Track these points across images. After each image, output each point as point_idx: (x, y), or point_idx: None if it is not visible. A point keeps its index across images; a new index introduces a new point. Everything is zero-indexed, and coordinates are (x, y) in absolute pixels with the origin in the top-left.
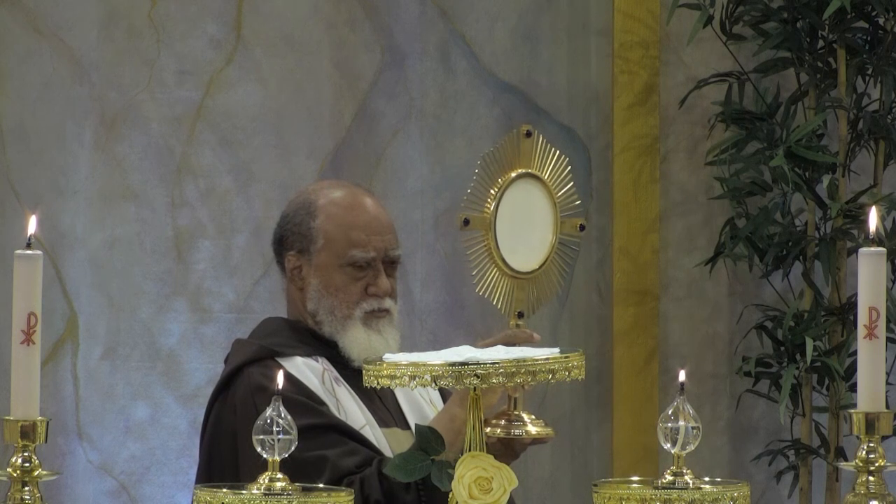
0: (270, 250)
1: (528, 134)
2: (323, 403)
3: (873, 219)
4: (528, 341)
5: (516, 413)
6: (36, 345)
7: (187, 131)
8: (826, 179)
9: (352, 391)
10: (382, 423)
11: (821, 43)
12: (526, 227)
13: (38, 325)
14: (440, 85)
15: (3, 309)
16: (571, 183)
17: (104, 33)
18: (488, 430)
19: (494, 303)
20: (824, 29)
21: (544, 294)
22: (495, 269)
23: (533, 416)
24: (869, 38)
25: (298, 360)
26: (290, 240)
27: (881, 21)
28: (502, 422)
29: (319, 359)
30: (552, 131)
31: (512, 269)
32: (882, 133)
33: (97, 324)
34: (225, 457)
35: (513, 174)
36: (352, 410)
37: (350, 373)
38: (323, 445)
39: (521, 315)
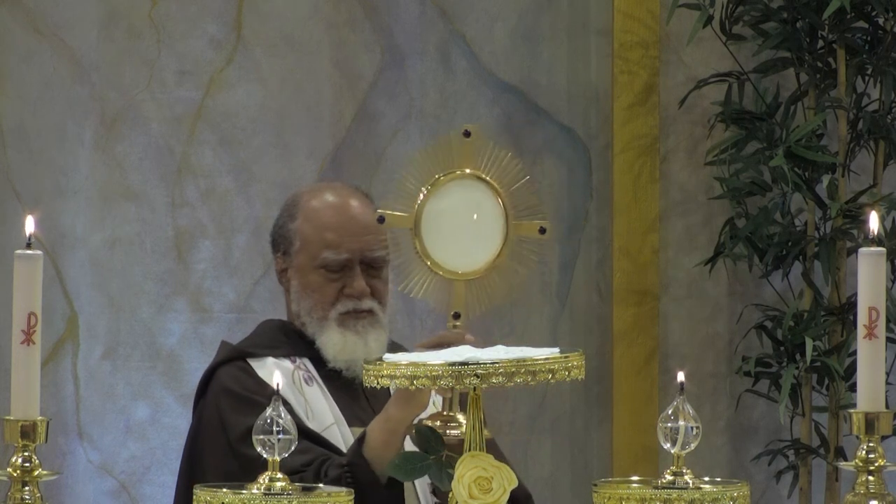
0: (270, 250)
1: (467, 134)
2: (286, 403)
3: (874, 222)
4: (459, 342)
5: (451, 414)
6: (36, 345)
7: (187, 131)
8: (826, 179)
9: (326, 391)
10: (358, 421)
11: (821, 43)
12: (467, 228)
13: (38, 325)
14: (440, 85)
15: (3, 309)
16: (528, 185)
17: (104, 33)
18: None
19: (425, 301)
20: (824, 29)
21: (494, 296)
22: (425, 269)
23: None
24: (869, 38)
25: (269, 360)
26: (277, 242)
27: (881, 21)
28: (437, 423)
29: (297, 359)
30: (552, 131)
31: (446, 270)
32: (882, 133)
33: (97, 324)
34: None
35: (441, 175)
36: (320, 410)
37: (329, 373)
38: None
39: (457, 316)
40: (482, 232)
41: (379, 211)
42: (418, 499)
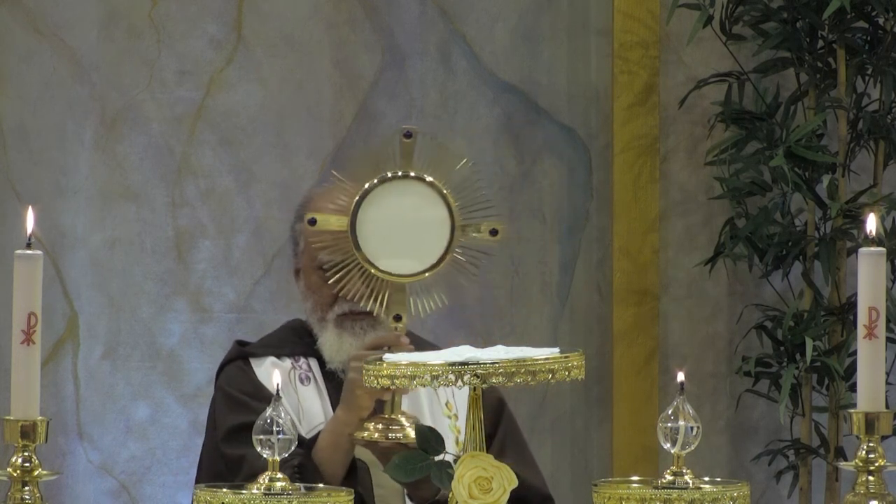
0: (270, 250)
1: (409, 135)
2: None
3: (871, 223)
4: (394, 344)
5: (393, 416)
6: (36, 345)
7: (187, 131)
8: (826, 179)
9: (324, 391)
10: (407, 420)
11: (821, 43)
12: (408, 230)
13: (38, 325)
14: (440, 85)
15: (3, 309)
16: (479, 187)
17: (104, 33)
18: (365, 434)
19: (363, 305)
20: (824, 29)
21: (441, 298)
22: (364, 271)
23: (412, 419)
24: (869, 38)
25: (269, 360)
26: (290, 243)
27: (881, 21)
28: (379, 425)
29: (301, 359)
30: (552, 131)
31: (385, 272)
32: (882, 133)
33: (97, 324)
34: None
35: (376, 178)
36: (311, 409)
37: (331, 372)
38: (248, 444)
39: (398, 318)
40: (426, 234)
41: (310, 214)
42: (404, 500)
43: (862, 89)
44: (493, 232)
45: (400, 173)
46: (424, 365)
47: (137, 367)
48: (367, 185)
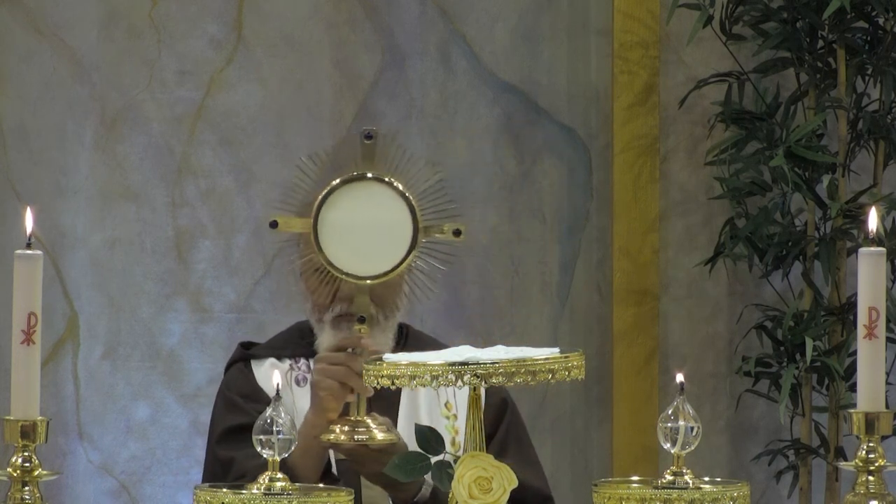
0: (270, 250)
1: (369, 136)
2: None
3: (873, 219)
4: (356, 346)
5: (359, 418)
6: (36, 345)
7: (187, 131)
8: (826, 179)
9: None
10: (375, 423)
11: (821, 43)
12: (370, 232)
13: (38, 325)
14: (440, 85)
15: (3, 309)
16: (441, 188)
17: (104, 33)
18: (331, 436)
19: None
20: (824, 29)
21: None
22: (327, 273)
23: (379, 421)
24: (869, 38)
25: (268, 361)
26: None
27: (881, 21)
28: (345, 427)
29: (302, 360)
30: (552, 131)
31: (347, 274)
32: (882, 133)
33: (97, 324)
34: None
35: (341, 178)
36: (306, 410)
37: None
38: (237, 447)
39: (361, 320)
40: (388, 235)
41: (273, 216)
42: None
43: (862, 89)
44: (457, 232)
45: (361, 174)
46: (424, 365)
47: (137, 367)
48: (329, 187)
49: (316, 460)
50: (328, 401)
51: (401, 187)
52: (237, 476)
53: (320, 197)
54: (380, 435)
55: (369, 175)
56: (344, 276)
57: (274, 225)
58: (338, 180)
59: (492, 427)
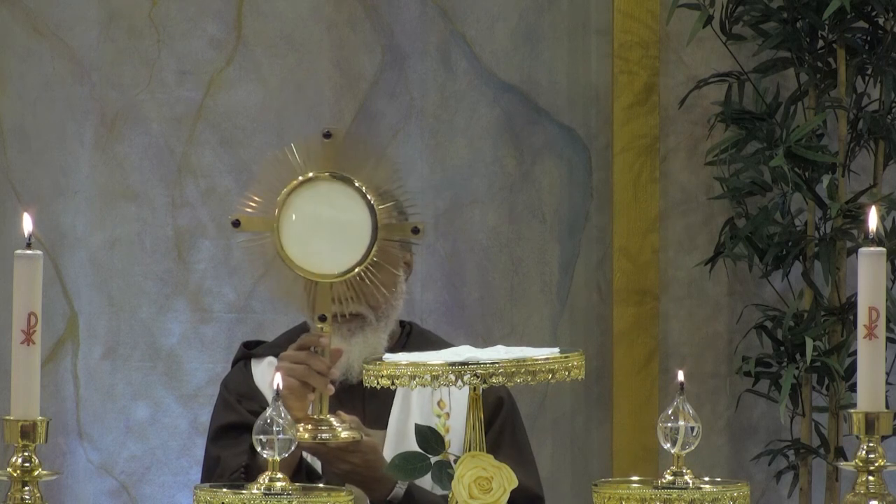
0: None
1: (328, 135)
2: (264, 402)
3: (873, 218)
4: (316, 345)
5: (322, 417)
6: (36, 345)
7: (187, 131)
8: (826, 179)
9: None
10: (339, 421)
11: (821, 43)
12: (331, 230)
13: (38, 325)
14: (440, 85)
15: (3, 309)
16: (400, 185)
17: (104, 33)
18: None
19: (291, 305)
20: (824, 29)
21: (367, 296)
22: (288, 271)
23: (343, 419)
24: (869, 38)
25: (266, 360)
26: None
27: (881, 21)
28: (308, 426)
29: None
30: (552, 131)
31: (308, 272)
32: (882, 133)
33: (97, 324)
34: None
35: (300, 177)
36: None
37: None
38: (226, 445)
39: (322, 318)
40: (348, 233)
41: (234, 216)
42: None
43: (862, 89)
44: (415, 230)
45: (321, 174)
46: (424, 365)
47: (137, 367)
48: (289, 187)
49: (287, 459)
50: (289, 399)
51: (360, 185)
52: (221, 475)
53: (281, 196)
54: (343, 433)
55: (327, 174)
56: (305, 275)
57: (236, 224)
58: (298, 179)
59: (486, 425)
